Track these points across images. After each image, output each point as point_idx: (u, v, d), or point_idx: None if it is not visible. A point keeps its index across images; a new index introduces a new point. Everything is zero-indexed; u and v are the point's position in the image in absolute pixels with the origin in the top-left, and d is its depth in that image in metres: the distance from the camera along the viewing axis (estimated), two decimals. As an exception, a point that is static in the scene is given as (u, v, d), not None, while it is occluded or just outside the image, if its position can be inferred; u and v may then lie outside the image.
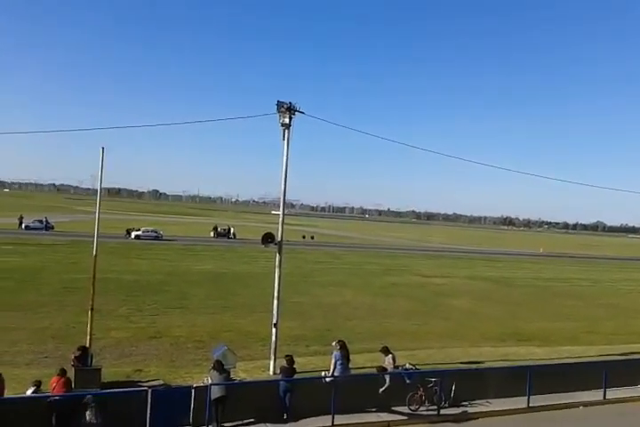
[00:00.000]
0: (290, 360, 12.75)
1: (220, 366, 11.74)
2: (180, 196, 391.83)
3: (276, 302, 15.41)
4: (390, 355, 14.02)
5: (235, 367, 13.58)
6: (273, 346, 15.12)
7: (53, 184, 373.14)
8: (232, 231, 69.41)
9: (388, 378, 13.12)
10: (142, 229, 58.92)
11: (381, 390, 12.90)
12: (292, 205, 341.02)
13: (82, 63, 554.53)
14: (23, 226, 58.22)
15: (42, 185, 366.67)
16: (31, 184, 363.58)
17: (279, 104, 14.90)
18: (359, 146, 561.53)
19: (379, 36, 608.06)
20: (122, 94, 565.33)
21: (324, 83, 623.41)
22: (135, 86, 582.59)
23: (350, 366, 13.61)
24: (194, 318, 21.24)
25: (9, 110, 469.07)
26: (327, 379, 12.89)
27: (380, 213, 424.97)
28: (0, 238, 45.41)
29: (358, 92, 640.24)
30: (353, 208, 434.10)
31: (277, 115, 15.03)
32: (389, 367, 13.78)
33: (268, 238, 15.73)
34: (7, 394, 10.04)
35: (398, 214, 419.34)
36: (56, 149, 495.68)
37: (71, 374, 11.32)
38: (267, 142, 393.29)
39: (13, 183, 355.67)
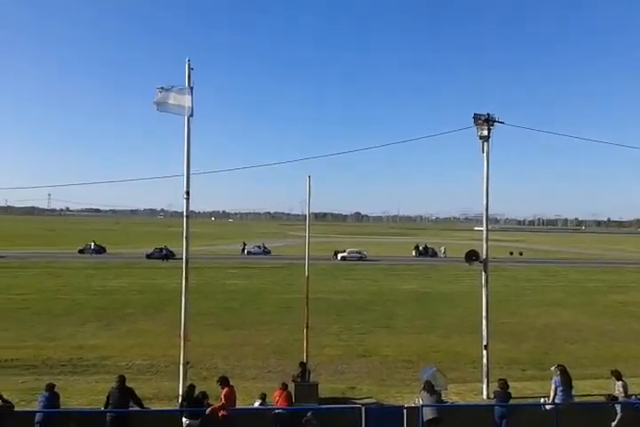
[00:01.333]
0: (504, 384, 12.06)
1: (430, 388, 11.60)
2: (381, 217, 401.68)
3: (484, 322, 14.78)
4: (621, 381, 12.44)
5: (446, 389, 13.28)
6: (485, 369, 14.47)
7: (269, 212, 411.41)
8: (441, 249, 68.75)
9: (619, 408, 11.59)
10: (347, 250, 61.52)
11: (614, 424, 11.42)
12: (497, 220, 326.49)
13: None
14: (246, 251, 64.98)
15: (259, 214, 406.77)
16: (251, 213, 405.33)
17: (476, 116, 14.48)
18: (555, 149, 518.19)
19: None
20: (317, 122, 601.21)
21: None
22: (329, 114, 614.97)
23: (573, 393, 12.41)
24: (400, 338, 21.40)
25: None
26: (547, 406, 11.89)
27: (598, 223, 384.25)
28: (227, 263, 51.22)
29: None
30: (566, 220, 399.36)
31: (475, 128, 14.64)
32: (620, 396, 12.21)
33: (471, 256, 15.27)
34: (238, 405, 11.10)
35: (621, 224, 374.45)
36: (270, 181, 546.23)
37: (292, 388, 12.18)
38: (464, 157, 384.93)
39: (236, 214, 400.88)
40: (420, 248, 69.14)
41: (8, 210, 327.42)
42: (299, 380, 12.97)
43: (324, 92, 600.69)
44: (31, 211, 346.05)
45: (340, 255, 59.80)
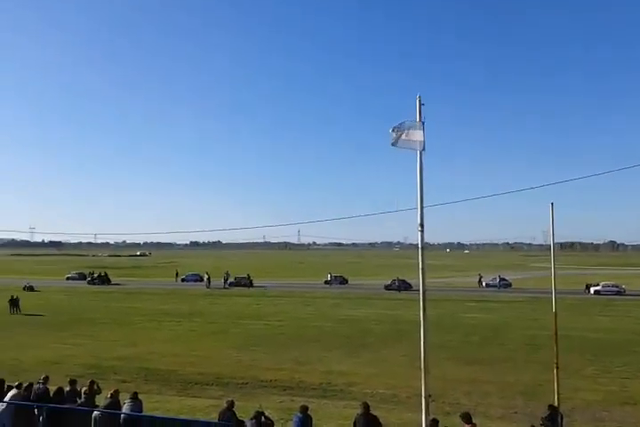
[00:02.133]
0: None
1: None
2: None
3: None
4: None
5: None
6: None
7: (507, 243, 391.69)
8: None
9: None
10: (602, 283, 55.10)
11: None
12: None
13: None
14: (483, 284, 62.65)
15: (497, 244, 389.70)
16: (487, 244, 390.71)
17: None
18: None
19: None
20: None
21: None
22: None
23: None
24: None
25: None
26: None
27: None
28: (465, 296, 50.02)
29: None
30: None
31: None
32: None
33: None
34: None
35: None
36: (508, 209, 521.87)
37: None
38: None
39: (472, 245, 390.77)
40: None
41: (266, 245, 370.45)
42: (549, 424, 11.90)
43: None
44: (284, 245, 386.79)
45: (592, 289, 53.83)
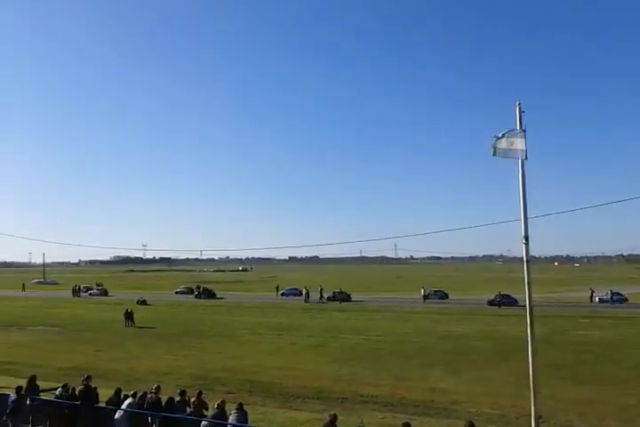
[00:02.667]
0: None
1: None
2: None
3: None
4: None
5: None
6: None
7: (621, 255, 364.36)
8: None
9: None
10: None
11: None
12: None
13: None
14: (596, 299, 58.46)
15: (610, 257, 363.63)
16: (600, 257, 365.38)
17: None
18: None
19: None
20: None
21: None
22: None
23: None
24: None
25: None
26: None
27: None
28: (575, 312, 46.94)
29: None
30: None
31: None
32: None
33: None
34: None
35: None
36: (621, 219, 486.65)
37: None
38: None
39: (582, 257, 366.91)
40: None
41: (363, 260, 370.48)
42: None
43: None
44: (381, 260, 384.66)
45: None
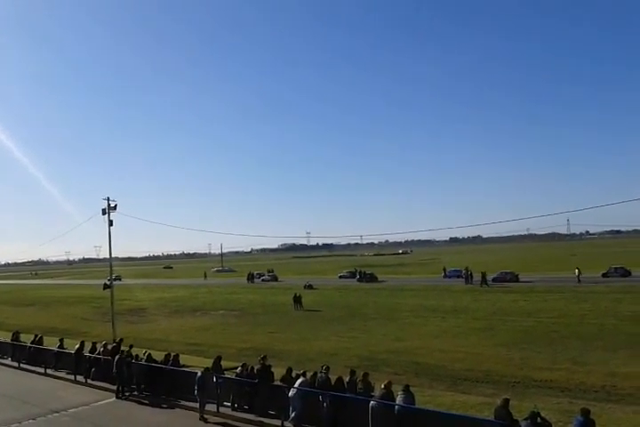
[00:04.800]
0: None
1: None
2: None
3: None
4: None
5: None
6: None
7: None
8: None
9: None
10: None
11: None
12: None
13: None
14: None
15: None
16: None
17: None
18: None
19: None
20: None
21: None
22: None
23: None
24: None
25: None
26: None
27: None
28: None
29: None
30: None
31: None
32: None
33: None
34: None
35: None
36: None
37: None
38: None
39: None
40: None
41: (531, 237, 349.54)
42: None
43: None
44: (552, 237, 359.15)
45: None
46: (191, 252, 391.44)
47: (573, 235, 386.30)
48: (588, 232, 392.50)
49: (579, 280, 52.06)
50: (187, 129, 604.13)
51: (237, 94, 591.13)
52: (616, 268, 59.39)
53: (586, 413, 10.30)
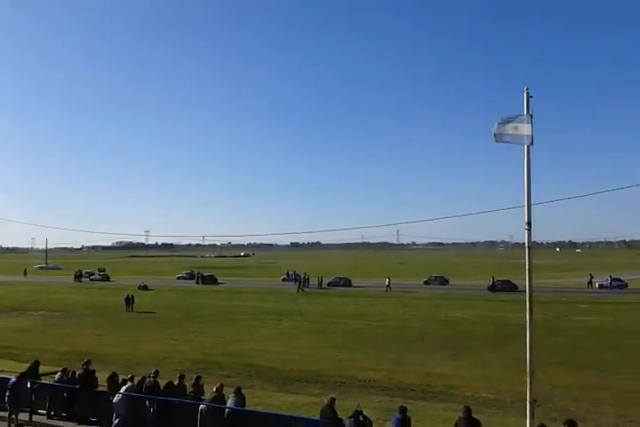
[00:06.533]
0: None
1: None
2: None
3: None
4: None
5: None
6: None
7: (624, 240, 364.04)
8: None
9: None
10: None
11: None
12: None
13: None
14: (595, 285, 58.52)
15: (612, 242, 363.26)
16: (602, 242, 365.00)
17: None
18: None
19: None
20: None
21: None
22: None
23: None
24: None
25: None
26: None
27: None
28: (575, 298, 47.04)
29: None
30: None
31: None
32: None
33: None
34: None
35: None
36: (625, 206, 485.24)
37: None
38: None
39: (584, 243, 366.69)
40: None
41: (364, 246, 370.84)
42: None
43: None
44: (383, 246, 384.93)
45: None
46: (11, 246, 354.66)
47: (402, 244, 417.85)
48: (414, 243, 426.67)
49: (388, 288, 54.48)
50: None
51: None
52: (436, 276, 65.56)
53: (403, 410, 11.13)
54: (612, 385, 18.08)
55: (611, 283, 57.57)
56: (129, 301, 40.51)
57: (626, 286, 57.39)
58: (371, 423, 11.47)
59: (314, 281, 61.25)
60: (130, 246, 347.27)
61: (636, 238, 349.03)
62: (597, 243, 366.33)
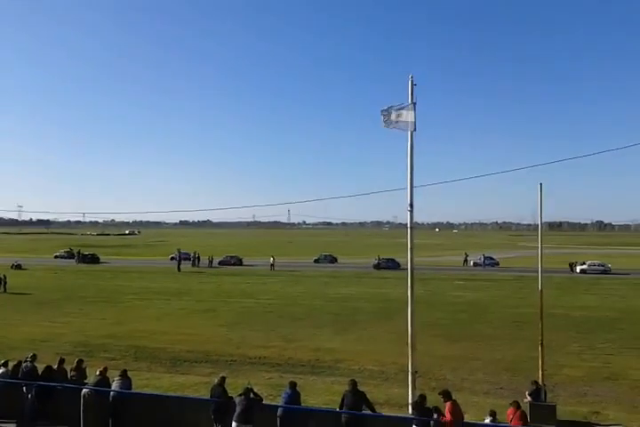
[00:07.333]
0: None
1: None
2: (629, 225, 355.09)
3: None
4: None
5: None
6: None
7: (496, 222, 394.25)
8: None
9: None
10: (588, 262, 55.77)
11: None
12: None
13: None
14: (470, 263, 63.22)
15: (486, 224, 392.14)
16: (476, 224, 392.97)
17: None
18: None
19: None
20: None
21: None
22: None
23: None
24: (658, 363, 18.60)
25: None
26: None
27: None
28: (453, 274, 50.50)
29: None
30: None
31: None
32: None
33: None
34: (467, 420, 10.72)
35: None
36: (497, 190, 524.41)
37: (526, 407, 11.44)
38: None
39: (461, 224, 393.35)
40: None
41: (256, 224, 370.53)
42: (533, 400, 12.16)
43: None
44: (274, 225, 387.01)
45: (578, 268, 54.48)
46: None
47: (293, 224, 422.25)
48: (305, 222, 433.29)
49: (272, 267, 55.15)
50: None
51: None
52: (325, 255, 67.21)
53: (293, 386, 11.35)
54: (485, 355, 19.72)
55: (484, 261, 62.32)
56: (0, 281, 37.49)
57: (497, 264, 62.51)
58: (261, 400, 11.59)
59: (204, 260, 60.29)
60: (0, 223, 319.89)
61: (507, 220, 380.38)
62: (472, 224, 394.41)
